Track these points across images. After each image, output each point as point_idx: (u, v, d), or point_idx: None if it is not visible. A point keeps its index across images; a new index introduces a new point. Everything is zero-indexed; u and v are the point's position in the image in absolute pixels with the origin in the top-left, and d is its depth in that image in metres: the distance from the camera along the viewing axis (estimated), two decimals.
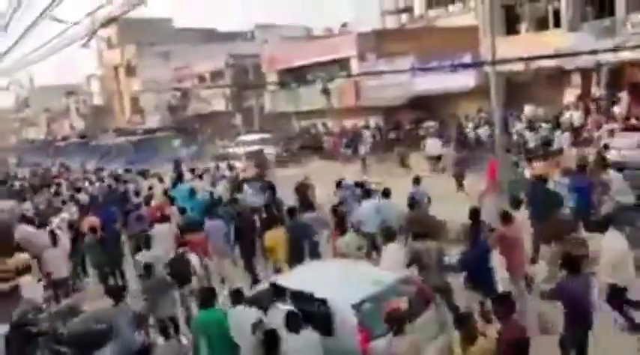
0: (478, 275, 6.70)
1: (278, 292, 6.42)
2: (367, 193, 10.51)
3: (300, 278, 6.92)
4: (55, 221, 12.45)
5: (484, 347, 4.89)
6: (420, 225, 8.02)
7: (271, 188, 12.56)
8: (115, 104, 51.39)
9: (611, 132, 13.87)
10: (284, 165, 24.28)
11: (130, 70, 46.92)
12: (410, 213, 9.00)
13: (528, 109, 19.31)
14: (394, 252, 7.35)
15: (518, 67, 18.83)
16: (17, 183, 25.54)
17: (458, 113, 22.59)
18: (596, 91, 18.72)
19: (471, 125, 19.89)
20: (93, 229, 10.39)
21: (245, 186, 13.79)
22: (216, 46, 41.56)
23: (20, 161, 44.64)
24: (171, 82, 41.65)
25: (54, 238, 9.79)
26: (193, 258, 8.35)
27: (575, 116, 17.33)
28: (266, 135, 29.22)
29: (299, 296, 6.22)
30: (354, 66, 27.06)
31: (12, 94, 69.53)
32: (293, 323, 5.44)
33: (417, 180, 10.34)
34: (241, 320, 5.83)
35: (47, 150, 46.63)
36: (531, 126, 16.93)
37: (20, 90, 66.35)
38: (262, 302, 6.52)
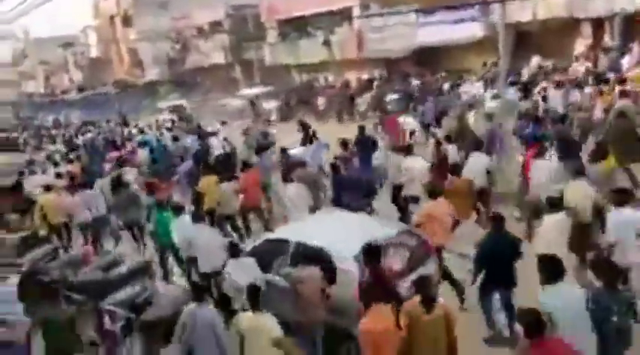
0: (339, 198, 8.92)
1: (280, 244, 6.52)
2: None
3: (302, 230, 6.95)
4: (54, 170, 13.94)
5: (440, 315, 4.59)
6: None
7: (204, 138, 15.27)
8: (112, 56, 50.49)
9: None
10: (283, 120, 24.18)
11: (127, 20, 45.77)
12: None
13: (535, 61, 18.86)
14: (292, 187, 9.01)
15: (527, 16, 18.33)
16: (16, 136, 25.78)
17: (464, 66, 22.20)
18: (609, 41, 18.12)
19: (473, 79, 19.38)
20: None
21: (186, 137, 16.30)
22: None
23: (17, 115, 44.67)
24: (170, 32, 40.74)
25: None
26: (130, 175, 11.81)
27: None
28: (266, 89, 28.89)
29: (301, 248, 6.28)
30: (356, 13, 26.36)
31: (8, 47, 68.32)
32: (233, 250, 6.61)
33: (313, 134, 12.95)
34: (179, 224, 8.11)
35: (45, 103, 46.53)
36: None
37: (16, 42, 65.07)
38: (263, 254, 6.64)
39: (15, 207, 10.55)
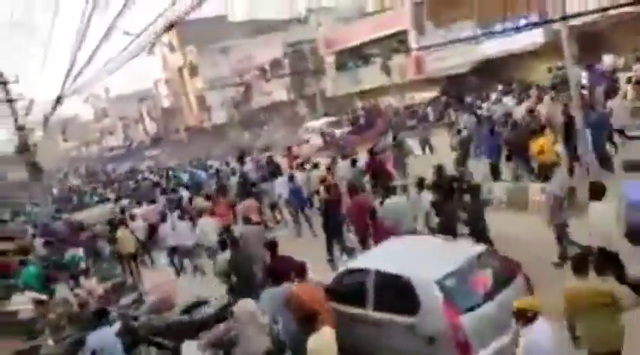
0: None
1: (360, 274, 6.49)
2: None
3: (380, 257, 6.91)
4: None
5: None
6: None
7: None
8: (182, 104, 53.41)
9: None
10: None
11: (193, 70, 48.42)
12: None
13: (608, 59, 17.77)
14: None
15: (592, 16, 17.44)
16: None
17: (527, 74, 21.44)
18: None
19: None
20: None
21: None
22: (271, 35, 41.84)
23: (87, 169, 49.25)
24: (233, 76, 42.55)
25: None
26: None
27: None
28: (331, 119, 29.26)
29: (380, 277, 6.20)
30: (412, 38, 26.32)
31: (91, 107, 74.61)
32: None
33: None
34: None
35: (125, 155, 50.38)
36: None
37: (98, 101, 70.74)
38: (346, 285, 6.63)
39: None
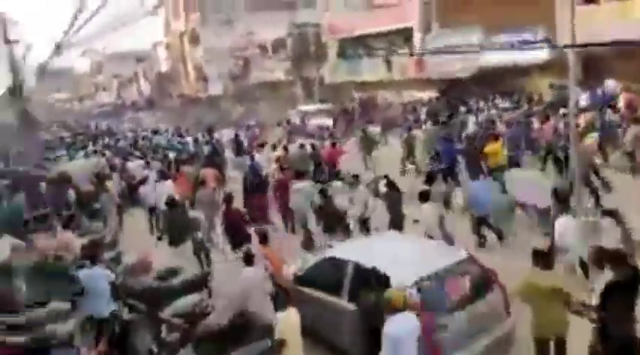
0: None
1: (339, 264, 6.55)
2: None
3: (361, 250, 6.95)
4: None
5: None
6: None
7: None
8: (180, 71, 52.69)
9: None
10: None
11: (194, 38, 47.73)
12: None
13: (611, 83, 17.87)
14: None
15: (597, 39, 17.55)
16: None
17: (527, 88, 21.57)
18: None
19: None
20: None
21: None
22: (277, 13, 41.26)
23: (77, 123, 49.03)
24: (234, 49, 42.03)
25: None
26: None
27: None
28: (324, 106, 29.16)
29: (359, 269, 6.27)
30: (417, 36, 26.25)
31: (88, 59, 73.30)
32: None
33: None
34: None
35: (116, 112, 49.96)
36: None
37: (95, 56, 69.38)
38: (320, 273, 6.69)
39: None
